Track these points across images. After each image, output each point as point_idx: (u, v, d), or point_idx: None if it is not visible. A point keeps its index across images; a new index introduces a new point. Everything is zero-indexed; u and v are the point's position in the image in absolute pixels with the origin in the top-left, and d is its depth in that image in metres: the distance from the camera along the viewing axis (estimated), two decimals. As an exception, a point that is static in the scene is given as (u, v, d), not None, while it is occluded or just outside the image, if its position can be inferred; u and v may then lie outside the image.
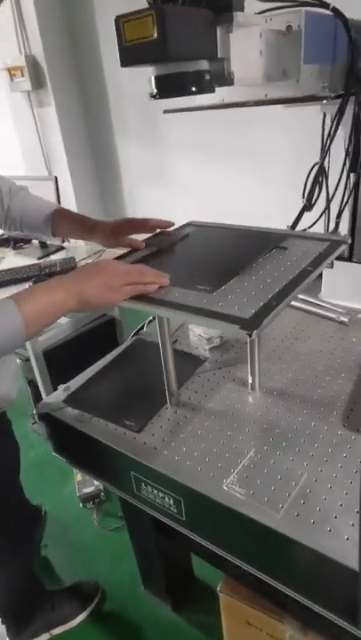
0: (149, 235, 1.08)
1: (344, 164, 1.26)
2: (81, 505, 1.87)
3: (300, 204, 1.45)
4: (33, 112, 3.54)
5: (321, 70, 1.03)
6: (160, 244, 1.00)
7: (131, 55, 0.69)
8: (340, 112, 1.10)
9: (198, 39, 0.70)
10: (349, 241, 0.96)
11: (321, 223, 1.35)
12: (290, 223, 1.45)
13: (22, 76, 3.32)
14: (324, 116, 1.30)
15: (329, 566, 0.68)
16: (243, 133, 2.23)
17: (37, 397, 2.20)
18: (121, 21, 0.66)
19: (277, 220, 1.44)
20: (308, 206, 1.25)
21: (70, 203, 3.42)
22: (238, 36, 0.76)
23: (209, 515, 0.83)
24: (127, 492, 1.01)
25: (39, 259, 2.24)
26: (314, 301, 1.34)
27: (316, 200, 1.45)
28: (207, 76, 0.75)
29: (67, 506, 1.90)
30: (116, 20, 0.66)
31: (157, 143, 3.03)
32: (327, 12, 0.99)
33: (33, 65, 3.26)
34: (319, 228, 1.35)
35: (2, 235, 2.50)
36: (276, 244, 0.93)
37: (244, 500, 0.78)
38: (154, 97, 0.76)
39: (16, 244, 2.45)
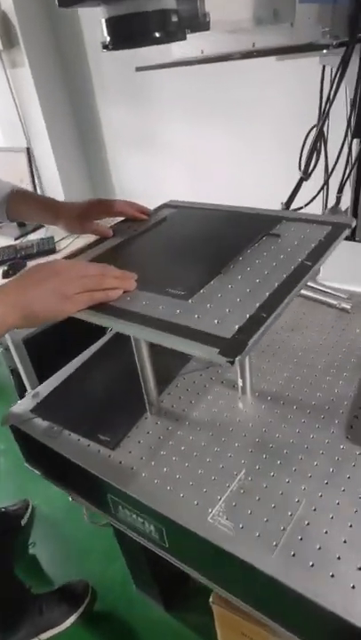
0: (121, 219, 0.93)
1: (347, 128, 1.09)
2: (70, 499, 1.79)
3: (297, 173, 1.28)
4: (6, 74, 3.26)
5: (321, 12, 0.84)
6: (130, 232, 0.85)
7: (69, -10, 0.52)
8: (344, 64, 0.92)
9: (160, -34, 0.53)
10: (354, 224, 0.80)
11: (320, 199, 1.19)
12: (286, 192, 1.29)
13: (-9, 33, 3.02)
14: (324, 69, 1.11)
15: (331, 621, 0.57)
16: (234, 89, 2.02)
17: (21, 386, 2.10)
18: None
19: (272, 189, 1.28)
20: (304, 178, 1.08)
21: (53, 175, 3.20)
22: None
23: (194, 547, 0.73)
24: (106, 512, 0.90)
25: (16, 238, 2.08)
26: (312, 285, 1.20)
27: (313, 169, 1.29)
28: (174, 18, 0.58)
29: (56, 500, 1.83)
30: None
31: (142, 104, 2.79)
32: None
33: (3, 20, 2.97)
34: (318, 205, 1.20)
35: (-25, 213, 2.32)
36: (268, 231, 0.77)
37: (233, 537, 0.67)
38: (106, 47, 0.59)
39: (-9, 222, 2.27)
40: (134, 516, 0.81)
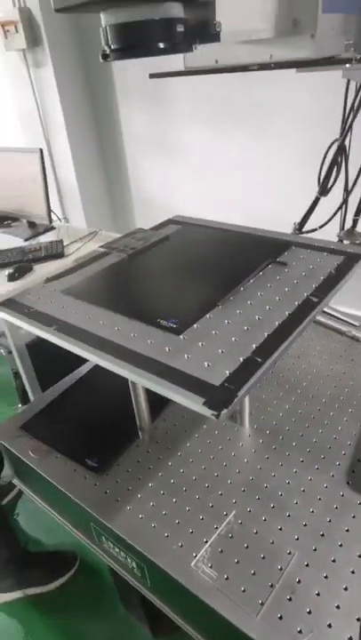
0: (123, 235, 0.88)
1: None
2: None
3: (314, 188, 1.23)
4: (29, 73, 3.27)
5: (345, 23, 0.79)
6: (127, 250, 0.80)
7: (65, -5, 0.48)
8: (368, 79, 0.86)
9: (166, -29, 0.49)
10: (369, 253, 0.74)
11: (337, 219, 1.13)
12: (301, 207, 1.23)
13: (16, 31, 3.04)
14: (348, 83, 1.05)
15: None
16: (253, 97, 1.96)
17: (23, 389, 2.08)
18: None
19: (287, 203, 1.22)
20: (320, 196, 1.02)
21: (69, 174, 3.19)
22: (227, -30, 0.54)
23: (175, 592, 0.68)
24: (89, 539, 0.86)
25: (26, 240, 2.05)
26: (323, 309, 1.13)
27: (332, 186, 1.23)
28: (180, 28, 0.53)
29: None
30: None
31: (162, 110, 2.76)
32: None
33: (28, 19, 2.97)
34: (335, 226, 1.13)
35: (-12, 212, 2.30)
36: (275, 258, 0.72)
37: (215, 588, 0.62)
38: (105, 57, 0.55)
39: (2, 222, 2.26)
40: (117, 549, 0.77)
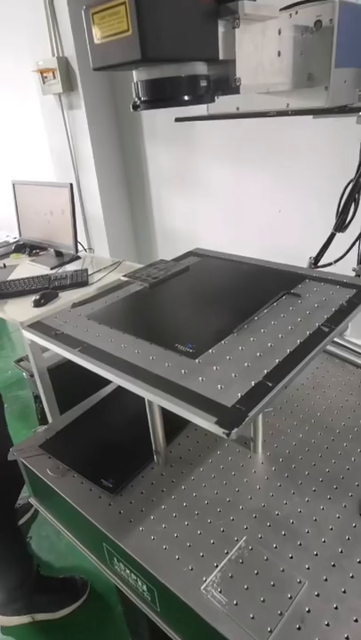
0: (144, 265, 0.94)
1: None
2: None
3: (330, 225, 1.27)
4: (63, 115, 3.50)
5: (357, 75, 0.85)
6: (149, 280, 0.86)
7: (103, 56, 0.55)
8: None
9: (192, 36, 0.55)
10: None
11: (354, 252, 1.17)
12: (317, 242, 1.27)
13: (54, 78, 3.29)
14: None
15: None
16: (274, 137, 2.06)
17: (43, 413, 2.12)
18: (90, 12, 0.52)
19: (305, 238, 1.26)
20: (335, 233, 1.07)
21: (97, 209, 3.34)
22: (247, 33, 0.61)
23: (185, 617, 0.68)
24: (101, 560, 0.87)
25: (52, 268, 2.15)
26: (338, 341, 1.15)
27: (350, 222, 1.27)
28: (204, 83, 0.59)
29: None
30: (85, 10, 0.52)
31: (187, 147, 2.89)
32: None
33: (65, 67, 3.21)
34: (352, 260, 1.17)
35: (18, 240, 2.43)
36: (289, 289, 0.76)
37: (224, 614, 0.62)
38: (135, 108, 0.62)
39: (32, 250, 2.37)
40: (128, 571, 0.78)
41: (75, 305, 0.84)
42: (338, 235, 1.31)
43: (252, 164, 2.37)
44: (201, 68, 0.59)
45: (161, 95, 0.59)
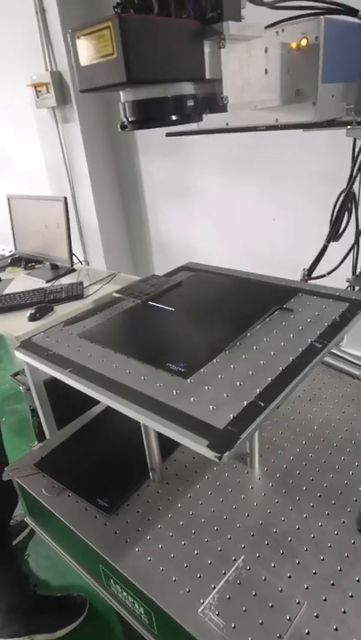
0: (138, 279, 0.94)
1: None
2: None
3: (324, 233, 1.27)
4: (57, 128, 3.52)
5: (345, 90, 0.86)
6: (142, 296, 0.85)
7: (89, 78, 0.55)
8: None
9: (177, 57, 0.56)
10: (373, 300, 0.77)
11: (347, 263, 1.17)
12: (311, 252, 1.27)
13: (48, 92, 3.31)
14: (355, 141, 1.12)
15: None
16: (266, 150, 2.08)
17: (40, 427, 2.10)
18: (76, 35, 0.52)
19: (300, 248, 1.26)
20: (326, 246, 1.07)
21: (92, 221, 3.35)
22: (233, 52, 0.61)
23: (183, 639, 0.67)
24: (98, 582, 0.86)
25: (48, 281, 2.15)
26: (335, 352, 1.15)
27: (343, 231, 1.27)
28: (191, 102, 0.60)
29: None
30: (70, 34, 0.52)
31: (181, 159, 2.92)
32: (354, 19, 0.82)
33: (58, 81, 3.24)
34: (346, 270, 1.17)
35: (13, 254, 2.43)
36: (281, 304, 0.75)
37: (222, 637, 0.61)
38: (123, 128, 0.62)
39: (27, 263, 2.37)
40: (125, 593, 0.76)
41: (66, 323, 0.84)
42: (331, 245, 1.31)
43: (245, 173, 2.39)
44: (188, 88, 0.59)
45: (148, 115, 0.59)
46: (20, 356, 0.78)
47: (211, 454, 0.48)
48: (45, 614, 1.41)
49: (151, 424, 0.54)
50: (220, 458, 0.48)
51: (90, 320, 0.82)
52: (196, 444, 0.50)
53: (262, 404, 0.53)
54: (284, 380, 0.58)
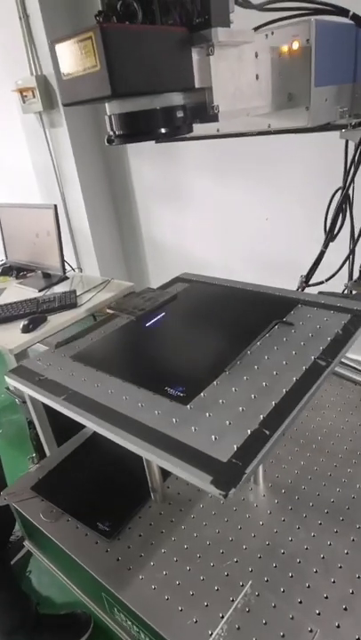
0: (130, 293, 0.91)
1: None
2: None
3: (321, 238, 1.25)
4: (45, 133, 3.48)
5: (339, 92, 0.83)
6: (137, 312, 0.82)
7: (73, 91, 0.52)
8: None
9: (165, 66, 0.53)
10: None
11: (344, 269, 1.14)
12: (308, 255, 1.25)
13: (33, 97, 3.27)
14: (347, 143, 1.09)
15: None
16: (258, 150, 2.05)
17: (37, 439, 2.07)
18: (56, 47, 0.49)
19: (295, 248, 1.23)
20: (323, 252, 1.04)
21: (83, 226, 3.31)
22: (223, 59, 0.58)
23: (191, 673, 0.64)
24: (101, 609, 0.83)
25: (40, 290, 2.11)
26: (335, 358, 1.12)
27: (338, 232, 1.25)
28: (180, 114, 0.57)
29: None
30: (50, 45, 0.49)
31: (172, 161, 2.88)
32: (345, 20, 0.79)
33: (44, 85, 3.19)
34: (342, 276, 1.14)
35: (4, 263, 2.39)
36: (281, 317, 0.73)
37: (233, 672, 0.58)
38: (110, 142, 0.59)
39: (19, 272, 2.33)
40: (130, 622, 0.74)
41: (58, 344, 0.80)
42: (330, 250, 1.28)
43: (237, 174, 2.36)
44: (177, 99, 0.56)
45: (136, 129, 0.56)
46: (11, 382, 0.75)
47: (215, 492, 0.45)
48: (49, 634, 1.38)
49: (152, 458, 0.51)
50: (225, 496, 0.45)
51: (83, 340, 0.79)
52: (199, 481, 0.47)
53: (267, 432, 0.51)
54: (289, 404, 0.55)
